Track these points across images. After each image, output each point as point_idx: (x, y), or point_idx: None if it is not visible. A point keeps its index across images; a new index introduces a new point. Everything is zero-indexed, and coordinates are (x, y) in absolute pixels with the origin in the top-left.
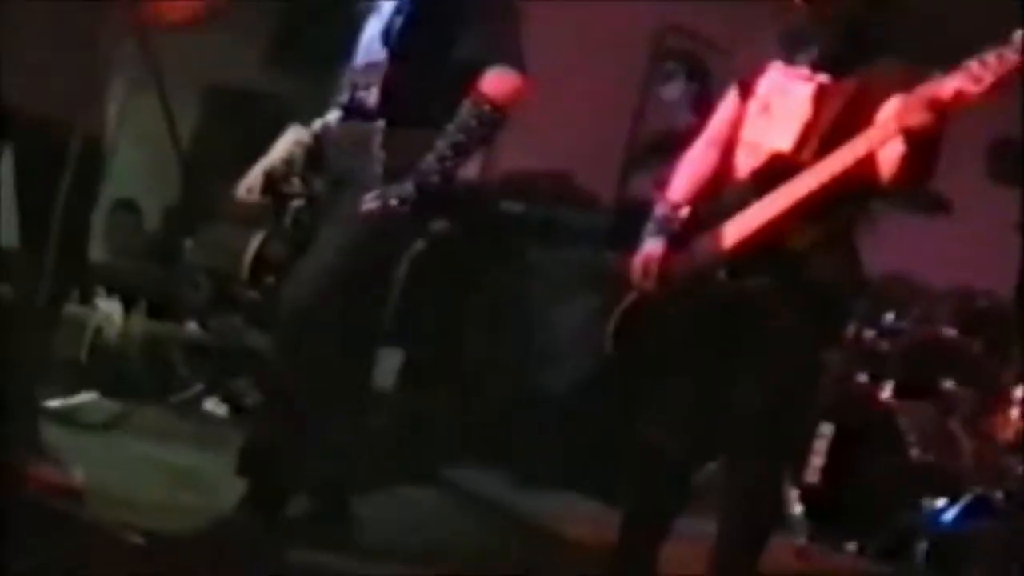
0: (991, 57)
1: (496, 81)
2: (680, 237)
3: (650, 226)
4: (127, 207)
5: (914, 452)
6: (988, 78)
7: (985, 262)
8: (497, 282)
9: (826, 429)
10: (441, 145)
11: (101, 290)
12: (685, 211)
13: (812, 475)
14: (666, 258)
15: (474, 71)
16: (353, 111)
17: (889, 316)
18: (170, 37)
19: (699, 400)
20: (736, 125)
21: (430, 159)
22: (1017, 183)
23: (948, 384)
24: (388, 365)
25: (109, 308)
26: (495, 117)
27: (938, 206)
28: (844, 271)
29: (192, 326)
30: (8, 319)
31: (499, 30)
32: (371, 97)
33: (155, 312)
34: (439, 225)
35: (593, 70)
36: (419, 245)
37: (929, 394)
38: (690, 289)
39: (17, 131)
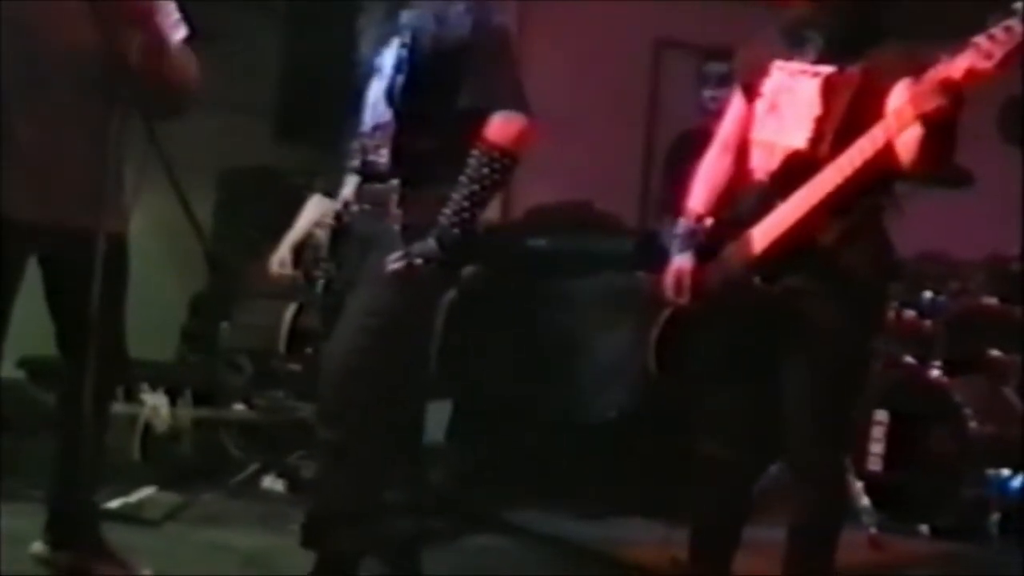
0: (999, 31)
1: (502, 126)
2: (708, 248)
3: (676, 241)
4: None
5: (972, 425)
6: (999, 52)
7: (1012, 227)
8: (533, 318)
9: (881, 416)
10: (457, 197)
11: (145, 386)
12: (709, 221)
13: (874, 463)
14: (697, 271)
15: (480, 119)
16: (367, 174)
17: (927, 294)
18: (177, 124)
19: (750, 406)
20: (746, 127)
21: (448, 213)
22: None
23: (995, 353)
24: (438, 418)
25: (155, 402)
26: (506, 162)
27: (959, 179)
28: (876, 258)
29: (239, 407)
30: (59, 427)
31: (499, 76)
32: (382, 158)
33: (201, 399)
34: (469, 272)
35: (595, 93)
36: (452, 294)
37: (978, 365)
38: (725, 298)
39: (40, 242)
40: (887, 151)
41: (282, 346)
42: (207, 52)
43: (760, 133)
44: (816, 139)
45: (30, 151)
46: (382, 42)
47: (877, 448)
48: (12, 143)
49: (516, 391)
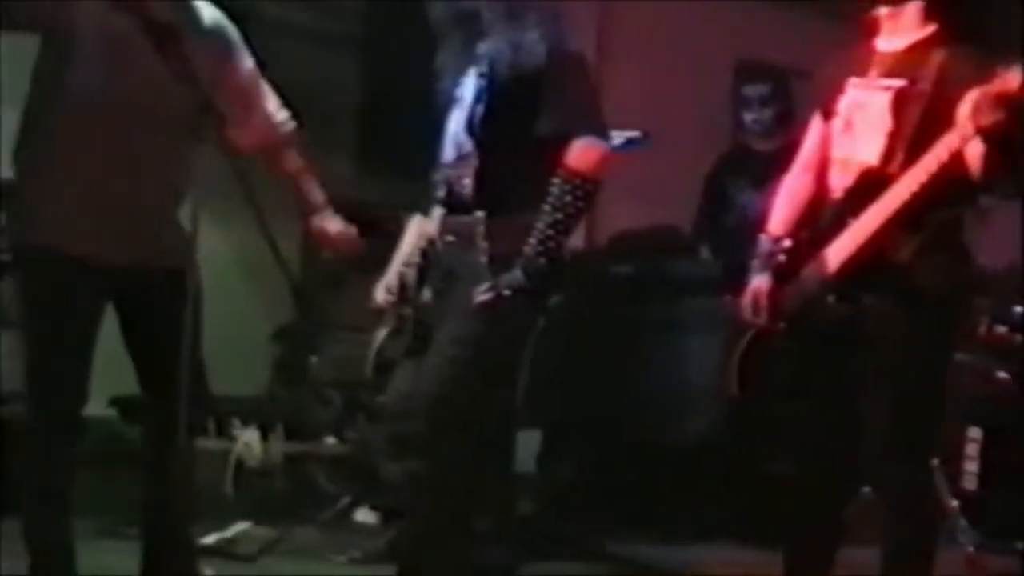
0: None
1: (583, 153)
2: (786, 268)
3: (755, 262)
4: None
5: None
6: None
7: None
8: (620, 345)
9: (975, 433)
10: (541, 226)
11: (236, 421)
12: (787, 243)
13: (969, 481)
14: (774, 291)
15: (560, 146)
16: (452, 205)
17: (1017, 308)
18: (257, 161)
19: (833, 426)
20: (824, 146)
21: (533, 243)
22: None
23: None
24: (528, 448)
25: (247, 437)
26: (588, 189)
27: None
28: (952, 272)
29: (330, 441)
30: (148, 464)
31: (579, 102)
32: (466, 189)
33: (291, 433)
34: (555, 300)
35: (677, 116)
36: (539, 323)
37: None
38: (803, 318)
39: (118, 284)
40: (956, 163)
41: (369, 369)
42: (287, 87)
43: (837, 151)
44: (888, 155)
45: (106, 194)
46: (460, 73)
47: (971, 466)
48: (88, 186)
49: (605, 418)
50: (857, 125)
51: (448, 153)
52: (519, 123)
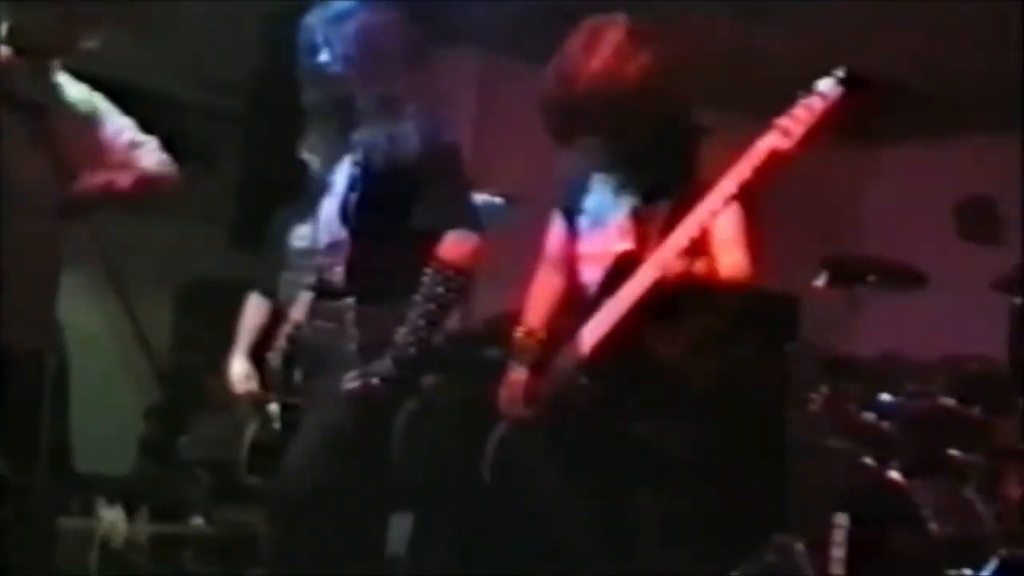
0: (799, 109)
1: (455, 246)
2: (544, 359)
3: (512, 354)
4: None
5: (933, 526)
6: (798, 130)
7: (970, 326)
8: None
9: (842, 519)
10: (412, 316)
11: (102, 500)
12: (543, 333)
13: (836, 567)
14: (531, 382)
15: (433, 238)
16: (323, 291)
17: (885, 396)
18: (129, 237)
19: (593, 511)
20: (571, 243)
21: (404, 332)
22: (988, 242)
23: (955, 453)
24: (400, 531)
25: (112, 516)
26: (460, 281)
27: (914, 279)
28: (711, 376)
29: (197, 521)
30: (8, 541)
31: (451, 195)
32: (337, 276)
33: (158, 514)
34: (427, 382)
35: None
36: (411, 405)
37: (938, 466)
38: (558, 405)
39: None
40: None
41: (243, 462)
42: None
43: (586, 246)
44: (642, 238)
45: None
46: (334, 159)
47: (839, 552)
48: None
49: (476, 503)
50: (608, 220)
51: (320, 239)
52: (393, 213)
